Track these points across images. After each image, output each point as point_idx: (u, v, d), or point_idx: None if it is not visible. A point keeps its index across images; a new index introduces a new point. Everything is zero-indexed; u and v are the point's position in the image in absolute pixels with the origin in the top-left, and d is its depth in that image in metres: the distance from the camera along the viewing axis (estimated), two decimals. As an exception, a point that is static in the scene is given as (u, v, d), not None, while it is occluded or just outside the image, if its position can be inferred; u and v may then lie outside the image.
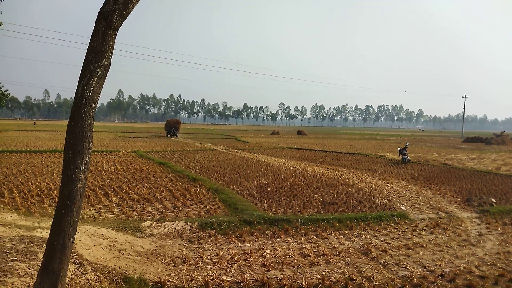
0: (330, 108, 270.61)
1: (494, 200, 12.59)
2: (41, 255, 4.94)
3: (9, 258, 4.62)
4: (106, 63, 3.54)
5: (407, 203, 12.37)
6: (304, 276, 6.24)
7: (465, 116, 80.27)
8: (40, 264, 4.60)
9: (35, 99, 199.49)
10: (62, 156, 14.58)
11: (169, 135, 50.78)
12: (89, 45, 3.51)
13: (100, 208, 10.47)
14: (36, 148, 25.93)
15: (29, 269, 4.43)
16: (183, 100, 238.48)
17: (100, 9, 3.52)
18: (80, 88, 3.46)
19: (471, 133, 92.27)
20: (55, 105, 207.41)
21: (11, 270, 4.27)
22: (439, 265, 7.06)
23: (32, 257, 4.81)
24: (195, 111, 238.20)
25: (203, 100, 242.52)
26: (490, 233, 9.49)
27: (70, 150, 3.49)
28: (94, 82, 3.48)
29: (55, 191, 12.12)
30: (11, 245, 5.14)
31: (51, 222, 8.05)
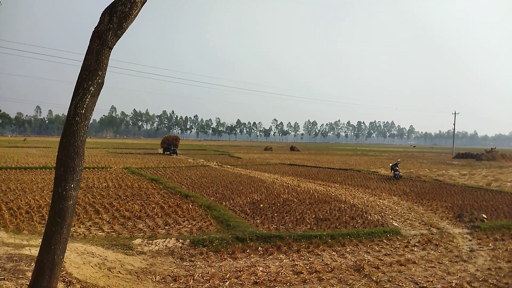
0: (322, 124, 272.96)
1: (485, 216, 12.68)
2: (29, 274, 4.86)
3: (-4, 276, 4.54)
4: (99, 81, 3.58)
5: (399, 219, 12.41)
6: (296, 294, 6.20)
7: (455, 132, 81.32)
8: (28, 283, 4.53)
9: (26, 115, 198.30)
10: (53, 172, 14.43)
11: (167, 153, 46.53)
12: (83, 63, 3.55)
13: (90, 225, 10.33)
14: (26, 164, 25.65)
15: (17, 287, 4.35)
16: (176, 116, 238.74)
17: (94, 28, 3.58)
18: (73, 106, 3.49)
19: (462, 149, 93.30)
20: (47, 121, 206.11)
21: (-2, 289, 4.19)
22: (431, 281, 7.06)
23: (20, 276, 4.73)
24: (188, 127, 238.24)
25: (196, 116, 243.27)
26: (481, 248, 9.52)
27: (62, 167, 3.49)
28: (87, 99, 3.51)
29: (45, 208, 11.96)
30: (-2, 263, 5.06)
31: (40, 240, 7.93)
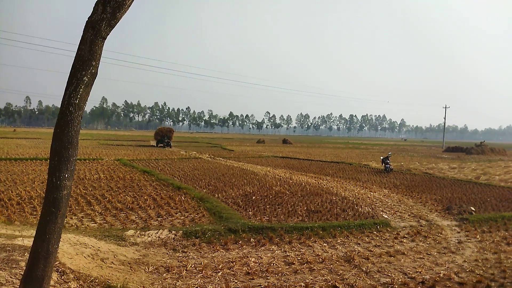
0: (315, 117, 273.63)
1: (473, 209, 12.92)
2: (23, 264, 4.88)
3: (-11, 266, 4.55)
4: (93, 71, 3.58)
5: (389, 211, 12.59)
6: (288, 284, 6.30)
7: (446, 126, 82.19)
8: (22, 273, 4.55)
9: (16, 106, 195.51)
10: (44, 164, 14.39)
11: (160, 145, 45.19)
12: (76, 53, 3.55)
13: (82, 216, 10.32)
14: (16, 155, 25.38)
15: (11, 277, 4.36)
16: (168, 108, 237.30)
17: (88, 18, 3.56)
18: (67, 96, 3.49)
19: (452, 142, 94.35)
20: (37, 112, 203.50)
21: (-8, 278, 4.20)
22: (420, 272, 7.21)
23: (14, 266, 4.74)
24: (180, 119, 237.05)
25: (188, 108, 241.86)
26: (469, 240, 9.73)
27: (56, 157, 3.49)
28: (81, 90, 3.51)
29: (36, 200, 11.90)
30: (-9, 253, 5.06)
31: (32, 231, 7.93)
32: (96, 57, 3.56)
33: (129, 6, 3.65)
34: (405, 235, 9.91)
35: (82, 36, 3.54)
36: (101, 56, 3.60)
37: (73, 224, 9.53)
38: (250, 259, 7.56)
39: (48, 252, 3.55)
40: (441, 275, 7.07)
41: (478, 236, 10.08)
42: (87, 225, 9.45)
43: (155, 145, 46.33)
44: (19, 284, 3.98)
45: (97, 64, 3.60)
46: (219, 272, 6.78)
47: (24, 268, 4.73)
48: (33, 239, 6.58)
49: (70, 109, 3.48)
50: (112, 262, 6.63)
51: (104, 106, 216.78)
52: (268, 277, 6.64)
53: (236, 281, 6.41)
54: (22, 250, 5.47)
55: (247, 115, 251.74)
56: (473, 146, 53.98)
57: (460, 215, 12.18)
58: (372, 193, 15.83)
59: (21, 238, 6.60)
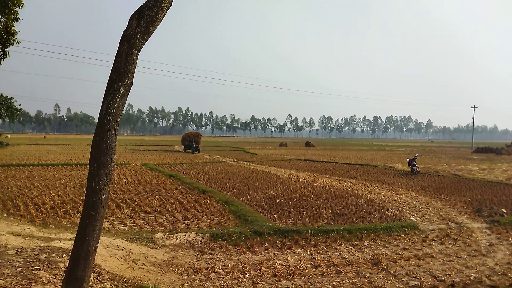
0: (338, 120, 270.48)
1: (504, 211, 12.55)
2: (62, 264, 5.15)
3: (32, 267, 4.83)
4: (129, 82, 3.78)
5: (417, 214, 12.39)
6: (315, 286, 6.35)
7: (474, 126, 79.63)
8: (61, 273, 4.81)
9: (46, 113, 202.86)
10: (74, 169, 14.99)
11: (188, 150, 44.06)
12: (113, 65, 3.76)
13: (113, 220, 10.68)
14: (48, 161, 26.41)
15: (52, 277, 4.62)
16: (191, 112, 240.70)
17: (123, 32, 3.78)
18: (105, 106, 3.70)
19: (481, 143, 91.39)
20: (66, 119, 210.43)
21: (36, 278, 4.47)
22: (450, 275, 7.10)
23: (54, 266, 5.01)
24: (203, 123, 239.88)
25: (211, 112, 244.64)
26: (500, 243, 9.48)
27: (95, 163, 3.71)
28: (118, 100, 3.72)
29: (69, 204, 12.39)
30: (33, 255, 5.36)
31: (67, 234, 8.30)
32: (131, 68, 3.77)
33: (161, 20, 3.84)
34: (434, 238, 9.74)
35: (118, 49, 3.76)
36: (135, 68, 3.81)
37: (105, 227, 9.87)
38: (277, 261, 7.65)
39: (88, 253, 3.76)
40: (472, 278, 6.95)
41: (510, 239, 9.81)
42: (118, 228, 9.78)
43: (183, 150, 45.53)
44: (60, 284, 4.22)
45: (132, 75, 3.81)
46: (246, 274, 6.90)
47: (63, 268, 5.00)
48: (68, 241, 6.92)
49: (108, 118, 3.69)
50: (143, 263, 6.87)
51: (130, 112, 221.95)
52: (295, 280, 6.71)
53: (263, 283, 6.51)
54: (60, 252, 5.76)
55: (269, 119, 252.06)
56: (503, 147, 52.18)
57: (490, 217, 11.85)
58: (398, 196, 15.60)
59: (58, 241, 6.93)
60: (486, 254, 8.51)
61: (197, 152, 42.73)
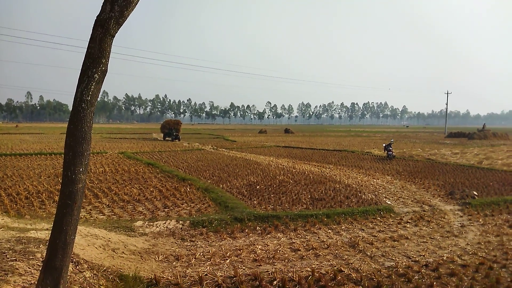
0: (316, 106, 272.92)
1: (476, 193, 13.05)
2: (39, 255, 5.06)
3: (8, 258, 4.72)
4: (103, 68, 3.69)
5: (392, 197, 12.74)
6: (294, 269, 6.47)
7: (448, 112, 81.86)
8: (39, 263, 4.73)
9: (17, 102, 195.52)
10: (48, 158, 14.62)
11: (168, 138, 43.38)
12: (86, 51, 3.65)
13: (90, 209, 10.52)
14: (21, 151, 25.59)
15: (29, 268, 4.54)
16: (169, 100, 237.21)
17: (97, 16, 3.66)
18: (79, 93, 3.60)
19: (454, 128, 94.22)
20: (38, 107, 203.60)
21: (12, 269, 4.38)
22: (423, 255, 7.38)
23: (31, 257, 4.92)
24: (181, 111, 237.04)
25: (189, 100, 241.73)
26: (472, 224, 9.88)
27: (70, 152, 3.63)
28: (92, 87, 3.63)
29: (44, 194, 12.11)
30: (8, 246, 5.24)
31: (44, 224, 8.13)
32: (106, 54, 3.67)
33: (136, 4, 3.74)
34: (409, 220, 10.07)
35: (91, 34, 3.64)
36: (110, 54, 3.71)
37: (82, 216, 9.71)
38: (257, 246, 7.74)
39: (65, 243, 3.71)
40: (444, 258, 7.24)
41: (480, 220, 10.23)
42: (96, 217, 9.65)
43: (162, 138, 44.45)
44: (38, 275, 4.15)
45: (106, 61, 3.71)
46: (227, 259, 6.97)
47: (41, 259, 4.92)
48: (45, 231, 6.79)
49: (83, 105, 3.60)
50: (123, 252, 6.82)
51: (105, 100, 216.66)
52: (275, 263, 6.82)
53: (244, 267, 6.59)
54: (37, 242, 5.65)
55: (248, 106, 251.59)
56: (475, 131, 53.95)
57: (462, 200, 12.32)
58: (375, 180, 15.98)
59: (34, 231, 6.78)
60: (458, 235, 8.86)
61: (177, 140, 41.88)
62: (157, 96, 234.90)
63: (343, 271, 6.42)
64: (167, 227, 8.88)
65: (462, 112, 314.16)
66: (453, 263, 6.98)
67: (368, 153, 27.94)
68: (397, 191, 13.85)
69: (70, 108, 3.73)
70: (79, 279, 4.72)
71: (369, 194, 12.91)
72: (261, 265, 6.73)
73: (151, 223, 9.02)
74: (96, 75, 3.63)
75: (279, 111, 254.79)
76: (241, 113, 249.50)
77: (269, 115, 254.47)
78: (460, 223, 9.92)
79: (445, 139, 52.51)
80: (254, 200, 11.86)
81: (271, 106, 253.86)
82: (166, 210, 10.60)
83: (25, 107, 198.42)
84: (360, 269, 6.55)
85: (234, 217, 9.62)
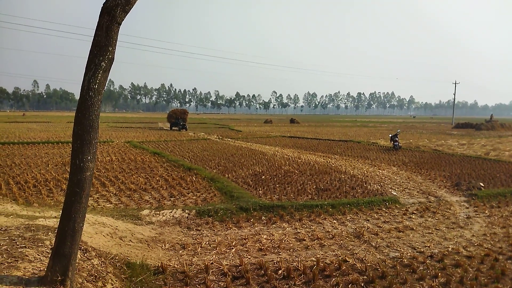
0: (322, 96, 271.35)
1: (482, 184, 12.98)
2: (47, 242, 5.13)
3: (18, 245, 4.80)
4: (110, 56, 3.68)
5: (398, 188, 12.71)
6: (299, 259, 6.51)
7: (455, 102, 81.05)
8: (47, 250, 4.80)
9: (24, 90, 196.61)
10: (55, 147, 14.72)
11: (175, 128, 42.37)
12: (93, 39, 3.64)
13: (98, 197, 10.62)
14: (28, 139, 25.82)
15: (38, 255, 4.61)
16: (175, 89, 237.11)
17: (103, 4, 3.64)
18: (86, 81, 3.61)
19: (462, 119, 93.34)
20: (45, 96, 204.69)
21: (22, 256, 4.45)
22: (428, 246, 7.38)
23: (40, 244, 4.99)
24: (187, 100, 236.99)
25: (195, 89, 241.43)
26: (478, 215, 9.85)
27: (78, 140, 3.65)
28: (99, 75, 3.63)
29: (52, 182, 12.23)
30: (18, 233, 5.31)
31: (52, 212, 8.23)
32: (113, 42, 3.66)
33: (143, -9, 3.72)
34: (414, 211, 10.06)
35: (98, 22, 3.63)
36: (117, 41, 3.70)
37: (90, 205, 9.81)
38: (262, 236, 7.79)
39: (74, 231, 3.76)
40: (450, 249, 7.24)
41: (486, 211, 10.19)
42: (103, 206, 9.75)
43: (169, 127, 43.79)
44: (47, 261, 4.21)
45: (113, 49, 3.70)
46: (232, 248, 7.02)
47: (49, 246, 4.99)
48: (53, 219, 6.88)
49: (90, 93, 3.61)
50: (130, 240, 6.90)
51: (111, 89, 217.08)
52: (280, 253, 6.87)
53: (249, 257, 6.65)
54: (46, 230, 5.73)
55: (253, 95, 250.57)
56: (483, 122, 53.41)
57: (469, 191, 12.26)
58: (380, 171, 15.93)
59: (42, 219, 6.88)
60: (464, 226, 8.84)
61: (184, 129, 41.22)
62: (162, 85, 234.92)
63: (348, 261, 6.45)
64: (173, 216, 8.95)
65: (470, 103, 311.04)
66: (458, 254, 6.98)
67: (374, 144, 27.81)
68: (403, 182, 13.81)
69: (77, 97, 3.73)
70: (87, 266, 4.79)
71: (375, 185, 12.88)
72: (266, 255, 6.78)
73: (158, 212, 9.09)
74: (103, 63, 3.63)
75: (284, 101, 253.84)
76: (247, 103, 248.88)
77: (275, 105, 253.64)
78: (466, 215, 9.89)
79: (452, 129, 52.09)
80: (259, 190, 11.89)
81: (277, 96, 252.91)
82: (172, 199, 10.67)
83: (32, 96, 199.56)
84: (365, 259, 6.58)
85: (240, 206, 9.67)
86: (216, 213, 9.21)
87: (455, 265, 6.45)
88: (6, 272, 3.96)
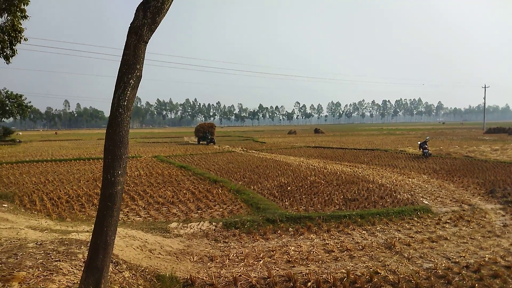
0: (346, 105, 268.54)
1: (518, 191, 12.42)
2: (80, 256, 5.28)
3: (52, 258, 4.96)
4: (138, 74, 3.81)
5: (429, 197, 12.34)
6: (329, 271, 6.39)
7: (486, 106, 78.37)
8: (81, 264, 4.93)
9: (56, 110, 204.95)
10: (87, 163, 15.21)
11: (202, 142, 41.96)
12: (122, 58, 3.79)
13: (127, 211, 10.86)
14: (61, 157, 26.79)
15: (72, 268, 4.75)
16: (199, 103, 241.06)
17: (130, 24, 3.79)
18: (116, 99, 3.74)
19: (493, 123, 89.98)
20: (76, 115, 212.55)
21: (56, 269, 4.59)
22: (464, 256, 7.10)
23: (73, 258, 5.14)
24: (211, 114, 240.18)
25: (218, 103, 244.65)
26: (515, 224, 9.41)
27: (109, 156, 3.77)
28: (128, 92, 3.76)
29: (83, 197, 12.61)
30: (52, 247, 5.50)
31: (84, 226, 8.46)
32: (140, 60, 3.80)
33: (167, 10, 3.84)
34: (447, 220, 9.72)
35: (126, 41, 3.78)
36: (144, 59, 3.83)
37: (120, 218, 10.03)
38: (290, 247, 7.72)
39: (106, 244, 3.85)
40: (486, 259, 6.94)
41: (525, 219, 9.72)
42: (133, 219, 9.95)
43: (197, 142, 43.44)
44: (80, 274, 4.33)
45: (141, 67, 3.84)
46: (260, 260, 6.99)
47: (82, 259, 5.13)
48: (86, 233, 7.07)
49: (120, 110, 3.74)
50: (159, 252, 6.99)
51: (138, 105, 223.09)
52: (309, 265, 6.77)
53: (277, 268, 6.59)
54: (79, 244, 5.90)
55: (276, 107, 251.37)
56: (516, 126, 51.25)
57: (504, 198, 11.76)
58: (410, 180, 15.53)
59: (75, 233, 7.08)
60: (501, 235, 8.46)
61: (212, 143, 40.63)
62: (187, 100, 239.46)
63: (379, 273, 6.28)
64: (200, 228, 9.02)
65: (501, 107, 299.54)
66: (495, 264, 6.67)
67: (402, 152, 27.19)
68: (434, 190, 13.40)
69: (106, 114, 3.88)
70: (119, 279, 4.88)
71: (405, 194, 12.56)
72: (294, 266, 6.70)
73: (185, 225, 9.19)
74: (131, 80, 3.75)
75: (308, 111, 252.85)
76: (270, 114, 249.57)
77: (298, 115, 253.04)
78: (502, 223, 9.46)
79: (484, 135, 50.25)
80: (285, 201, 11.83)
81: (300, 106, 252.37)
82: (199, 211, 10.77)
83: (63, 115, 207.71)
84: (397, 271, 6.38)
85: (266, 218, 9.64)
86: (242, 225, 9.21)
87: (493, 276, 6.16)
88: (42, 285, 4.10)
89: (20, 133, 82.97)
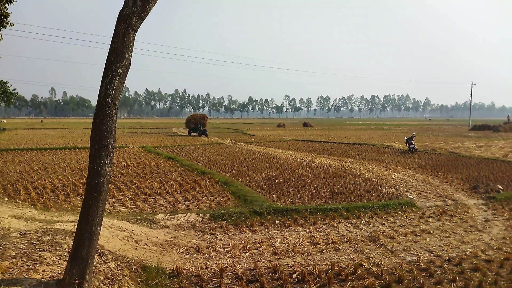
0: (335, 99, 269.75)
1: (501, 187, 12.71)
2: (65, 246, 5.23)
3: (37, 248, 4.91)
4: (126, 63, 3.76)
5: (414, 191, 12.54)
6: (314, 263, 6.48)
7: (472, 103, 79.66)
8: (65, 254, 4.89)
9: (41, 97, 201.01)
10: (72, 153, 14.99)
11: (194, 134, 41.28)
12: (110, 46, 3.73)
13: (114, 202, 10.78)
14: (46, 145, 26.36)
15: (56, 258, 4.71)
16: (188, 94, 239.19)
17: (119, 11, 3.73)
18: (104, 87, 3.69)
19: (479, 120, 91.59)
20: (62, 103, 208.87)
21: (40, 259, 4.55)
22: (446, 250, 7.26)
23: (58, 248, 5.09)
24: (200, 105, 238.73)
25: (208, 94, 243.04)
26: (496, 219, 9.64)
27: (96, 145, 3.73)
28: (116, 81, 3.71)
29: (69, 187, 12.46)
30: (36, 237, 5.43)
31: (69, 216, 8.38)
32: (129, 49, 3.74)
33: (157, -1, 3.80)
34: (431, 215, 9.90)
35: (114, 29, 3.71)
36: (133, 48, 3.78)
37: (106, 209, 9.96)
38: (276, 239, 7.78)
39: (91, 234, 3.83)
40: (468, 253, 7.10)
41: (505, 214, 9.97)
42: (119, 210, 9.89)
43: (188, 133, 42.64)
44: (65, 265, 4.30)
45: (130, 56, 3.79)
46: (247, 252, 7.03)
47: (67, 249, 5.09)
48: (71, 223, 7.01)
49: (107, 99, 3.69)
50: (146, 243, 6.98)
51: (126, 95, 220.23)
52: (295, 257, 6.84)
53: (263, 260, 6.64)
54: (63, 234, 5.85)
55: (266, 99, 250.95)
56: (500, 124, 52.25)
57: (487, 194, 12.02)
58: (396, 174, 15.74)
59: (60, 223, 7.01)
60: (482, 230, 8.67)
61: (204, 135, 39.56)
62: (176, 91, 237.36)
63: (363, 265, 6.39)
64: (187, 220, 9.01)
65: (487, 104, 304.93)
66: (476, 258, 6.84)
67: (389, 147, 27.51)
68: (419, 185, 13.62)
69: (93, 103, 3.82)
70: (104, 270, 4.86)
71: (390, 188, 12.74)
72: (280, 258, 6.76)
73: (172, 216, 9.17)
74: (120, 69, 3.71)
75: (297, 104, 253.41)
76: (259, 107, 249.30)
77: (288, 108, 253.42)
78: (484, 218, 9.69)
79: (469, 131, 51.14)
80: (273, 193, 11.89)
81: (290, 99, 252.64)
82: (186, 203, 10.75)
83: (49, 103, 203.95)
84: (381, 263, 6.50)
85: (254, 210, 9.68)
86: (230, 217, 9.24)
87: (473, 269, 6.32)
88: (26, 275, 4.06)
89: (5, 121, 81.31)
